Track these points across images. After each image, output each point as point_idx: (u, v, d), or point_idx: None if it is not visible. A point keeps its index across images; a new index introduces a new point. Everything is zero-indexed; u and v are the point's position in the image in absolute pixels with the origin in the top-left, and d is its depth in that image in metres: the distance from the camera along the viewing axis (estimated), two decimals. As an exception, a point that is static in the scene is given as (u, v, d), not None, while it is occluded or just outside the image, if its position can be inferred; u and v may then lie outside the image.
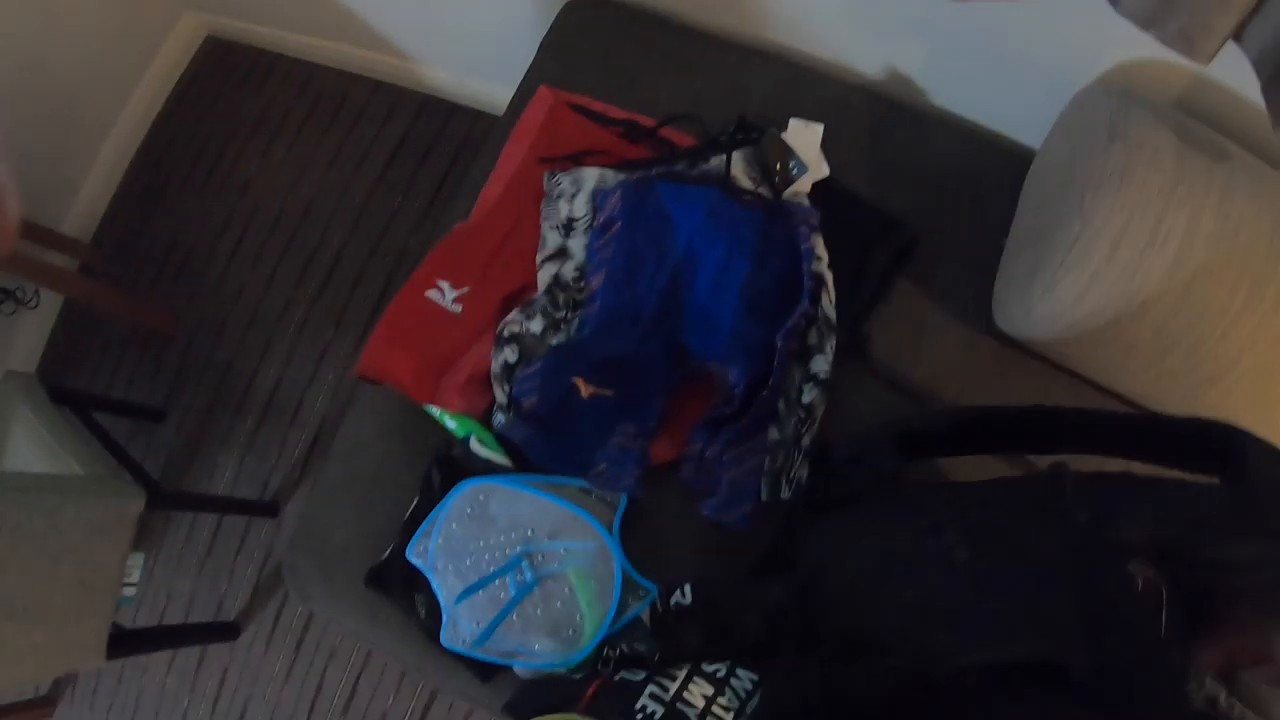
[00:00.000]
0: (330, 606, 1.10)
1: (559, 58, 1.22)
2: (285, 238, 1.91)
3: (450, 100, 1.88)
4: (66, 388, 1.57)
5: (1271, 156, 0.92)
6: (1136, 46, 0.90)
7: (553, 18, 1.25)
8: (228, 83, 2.05)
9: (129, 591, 1.43)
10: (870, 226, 1.06)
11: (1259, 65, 0.75)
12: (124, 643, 1.44)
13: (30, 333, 1.98)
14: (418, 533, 0.97)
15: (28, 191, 1.77)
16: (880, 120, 1.13)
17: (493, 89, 1.77)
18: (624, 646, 0.91)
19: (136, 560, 1.45)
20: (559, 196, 1.05)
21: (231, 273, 1.92)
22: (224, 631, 1.71)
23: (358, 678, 1.65)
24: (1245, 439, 0.69)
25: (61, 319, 2.00)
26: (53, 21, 1.75)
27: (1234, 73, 0.87)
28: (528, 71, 1.22)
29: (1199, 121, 0.92)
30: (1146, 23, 0.76)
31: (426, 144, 1.88)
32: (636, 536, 0.95)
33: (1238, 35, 0.74)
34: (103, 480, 1.32)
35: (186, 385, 1.88)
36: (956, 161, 1.11)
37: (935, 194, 1.09)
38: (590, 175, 1.05)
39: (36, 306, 1.97)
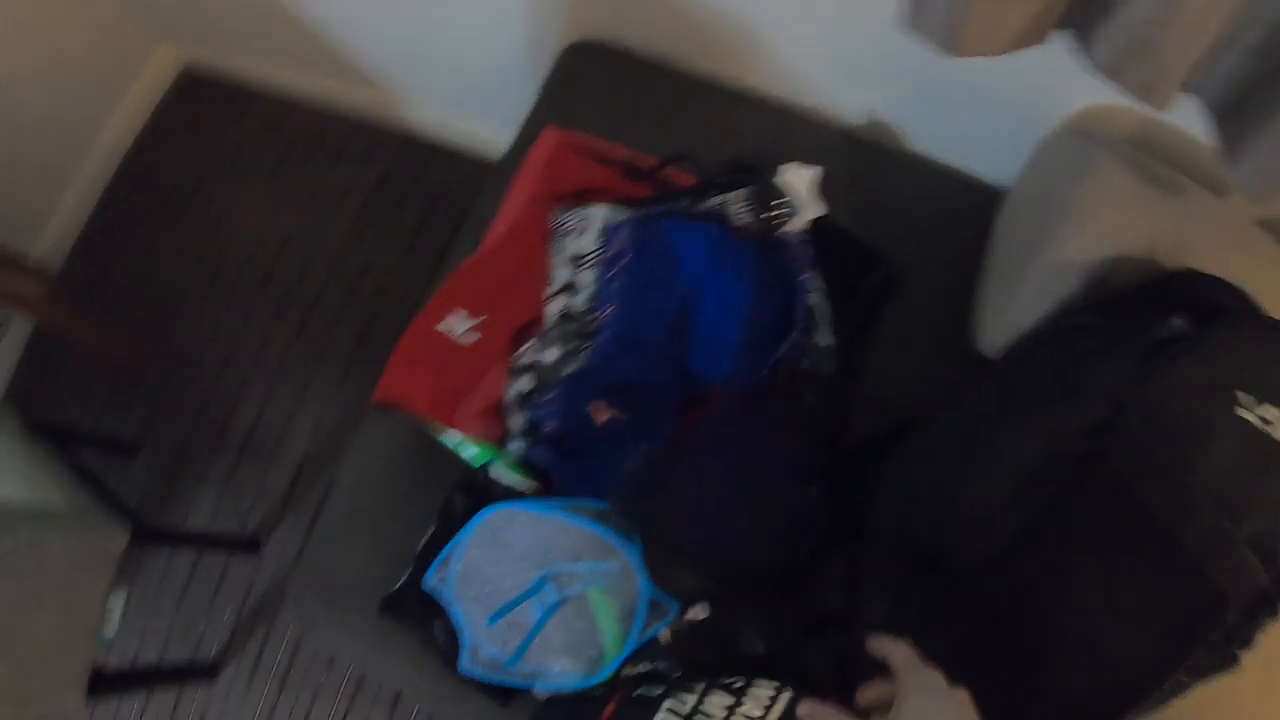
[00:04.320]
0: (338, 636, 1.11)
1: (560, 99, 1.27)
2: (261, 275, 1.90)
3: (431, 141, 1.90)
4: (42, 419, 1.53)
5: (1214, 185, 1.02)
6: (1097, 93, 1.00)
7: (552, 60, 1.31)
8: (203, 117, 2.04)
9: (109, 631, 1.40)
10: (857, 260, 1.13)
11: (1209, 108, 0.85)
12: (103, 684, 1.40)
13: (-3, 363, 1.92)
14: (436, 560, 0.98)
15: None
16: (863, 163, 1.21)
17: (478, 128, 1.80)
18: (643, 665, 0.95)
19: (118, 599, 1.41)
20: (566, 233, 1.10)
21: (207, 309, 1.90)
22: (202, 672, 1.67)
23: (343, 717, 1.63)
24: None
25: (29, 350, 1.95)
26: (24, 47, 1.72)
27: (1179, 114, 0.96)
28: (531, 112, 1.27)
29: (1151, 156, 1.02)
30: (1113, 74, 0.85)
31: (405, 186, 1.90)
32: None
33: (1188, 83, 0.84)
34: (87, 514, 1.28)
35: (160, 421, 1.84)
36: (935, 199, 1.20)
37: (915, 229, 1.17)
38: (597, 213, 1.10)
39: (3, 336, 1.91)
